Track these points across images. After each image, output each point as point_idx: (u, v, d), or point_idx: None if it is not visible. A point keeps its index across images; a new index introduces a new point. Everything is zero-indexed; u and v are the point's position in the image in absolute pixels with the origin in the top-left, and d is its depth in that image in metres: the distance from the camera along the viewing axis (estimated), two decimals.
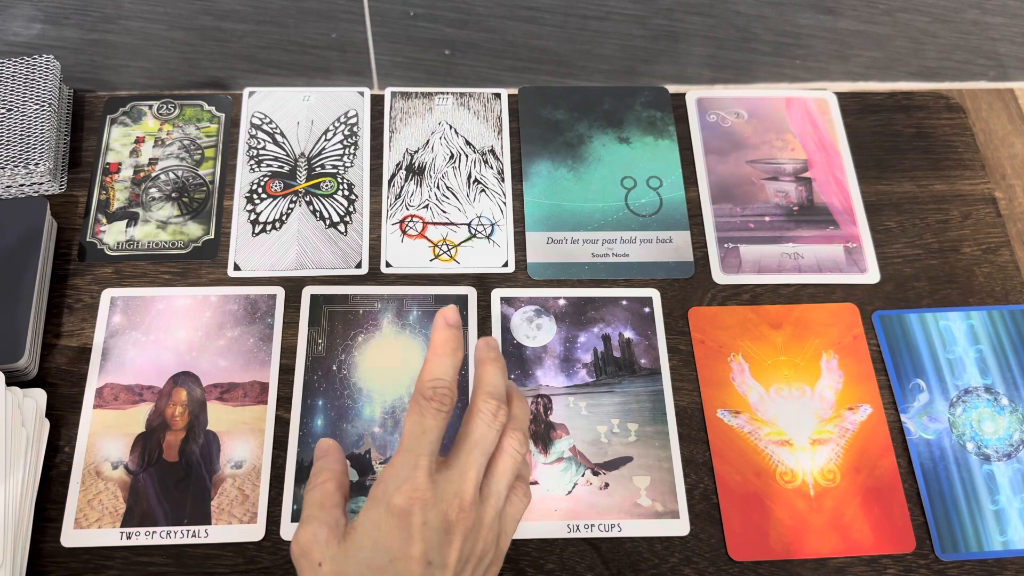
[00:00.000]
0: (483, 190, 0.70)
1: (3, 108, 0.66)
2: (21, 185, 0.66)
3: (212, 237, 0.67)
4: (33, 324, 0.60)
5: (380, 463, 0.58)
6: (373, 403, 0.61)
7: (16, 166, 0.64)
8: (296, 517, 0.57)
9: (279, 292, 0.64)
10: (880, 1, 0.72)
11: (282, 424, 0.60)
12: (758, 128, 0.74)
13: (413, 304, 0.64)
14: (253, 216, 0.68)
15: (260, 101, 0.73)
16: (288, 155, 0.70)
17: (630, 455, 0.59)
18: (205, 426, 0.59)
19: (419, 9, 0.70)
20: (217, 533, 0.56)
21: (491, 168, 0.71)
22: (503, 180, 0.70)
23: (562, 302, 0.65)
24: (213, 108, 0.72)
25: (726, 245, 0.68)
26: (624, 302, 0.65)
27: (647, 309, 0.65)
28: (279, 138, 0.71)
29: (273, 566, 0.55)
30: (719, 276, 0.67)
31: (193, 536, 0.56)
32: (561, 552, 0.56)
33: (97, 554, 0.55)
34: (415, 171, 0.70)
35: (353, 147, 0.71)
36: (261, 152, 0.70)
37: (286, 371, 0.61)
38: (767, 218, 0.69)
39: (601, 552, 0.57)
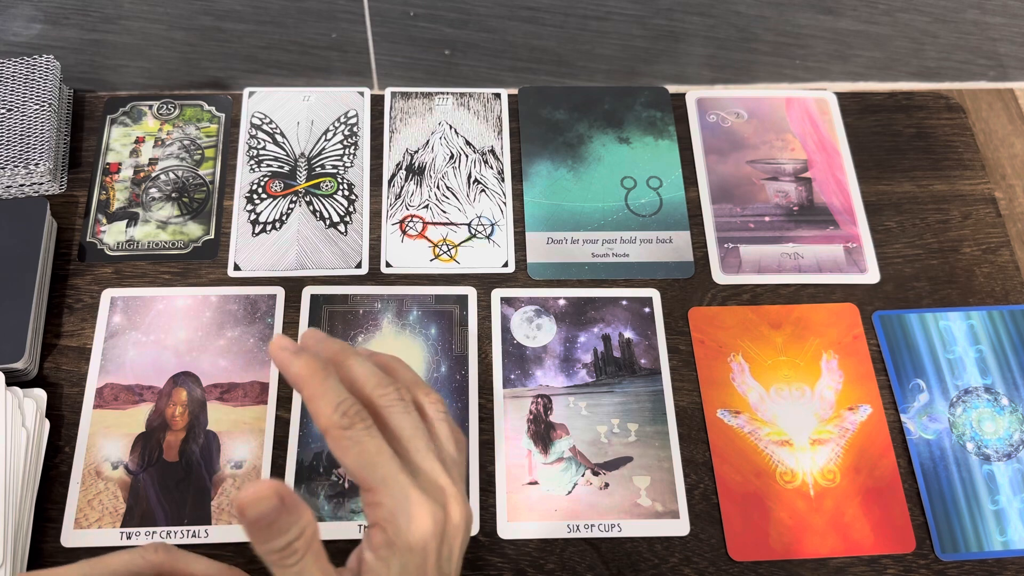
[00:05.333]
0: (483, 190, 0.70)
1: (3, 108, 0.66)
2: (21, 185, 0.66)
3: (212, 237, 0.67)
4: (33, 324, 0.60)
5: None
6: None
7: (16, 166, 0.64)
8: None
9: (279, 292, 0.64)
10: (880, 1, 0.72)
11: (282, 424, 0.60)
12: (758, 128, 0.74)
13: (413, 304, 0.64)
14: (253, 216, 0.68)
15: (260, 101, 0.73)
16: (288, 155, 0.70)
17: (630, 455, 0.59)
18: (205, 426, 0.59)
19: (419, 9, 0.70)
20: (217, 533, 0.56)
21: (491, 168, 0.71)
22: (503, 180, 0.70)
23: (562, 302, 0.65)
24: (213, 108, 0.72)
25: (726, 245, 0.68)
26: (624, 302, 0.65)
27: (647, 309, 0.65)
28: (279, 138, 0.71)
29: None
30: (719, 276, 0.67)
31: (193, 536, 0.56)
32: (561, 552, 0.56)
33: (97, 554, 0.55)
34: (415, 171, 0.70)
35: (353, 147, 0.71)
36: (261, 152, 0.70)
37: None
38: (767, 218, 0.69)
39: (601, 552, 0.57)
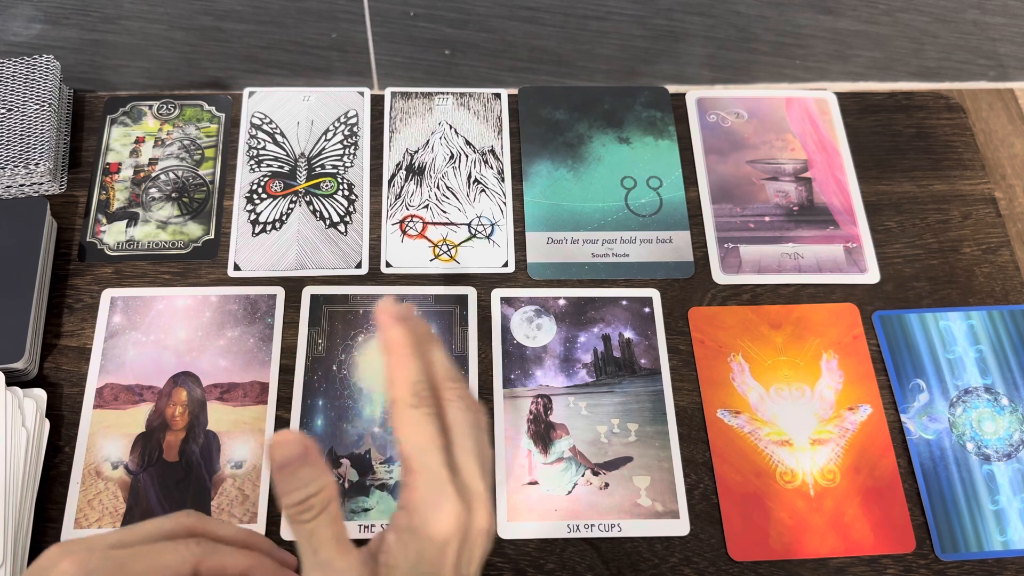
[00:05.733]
0: (483, 190, 0.70)
1: (3, 108, 0.66)
2: (21, 185, 0.66)
3: (212, 237, 0.67)
4: (33, 324, 0.60)
5: (380, 463, 0.58)
6: (373, 403, 0.61)
7: (16, 166, 0.65)
8: None
9: (279, 292, 0.64)
10: (880, 1, 0.72)
11: (282, 424, 0.60)
12: (758, 128, 0.74)
13: (413, 304, 0.64)
14: (253, 216, 0.68)
15: (260, 101, 0.73)
16: (288, 155, 0.70)
17: (630, 455, 0.59)
18: (205, 426, 0.59)
19: (419, 9, 0.70)
20: None
21: (491, 168, 0.71)
22: (503, 180, 0.70)
23: (562, 302, 0.65)
24: (213, 108, 0.72)
25: (726, 245, 0.68)
26: (624, 302, 0.65)
27: (647, 309, 0.65)
28: (279, 138, 0.71)
29: None
30: (719, 276, 0.67)
31: None
32: (561, 552, 0.56)
33: None
34: (415, 171, 0.70)
35: (353, 147, 0.71)
36: (261, 152, 0.70)
37: (286, 371, 0.61)
38: (767, 218, 0.69)
39: (601, 552, 0.57)
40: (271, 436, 0.37)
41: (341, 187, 0.69)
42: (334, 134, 0.72)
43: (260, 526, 0.56)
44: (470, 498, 0.39)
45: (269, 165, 0.70)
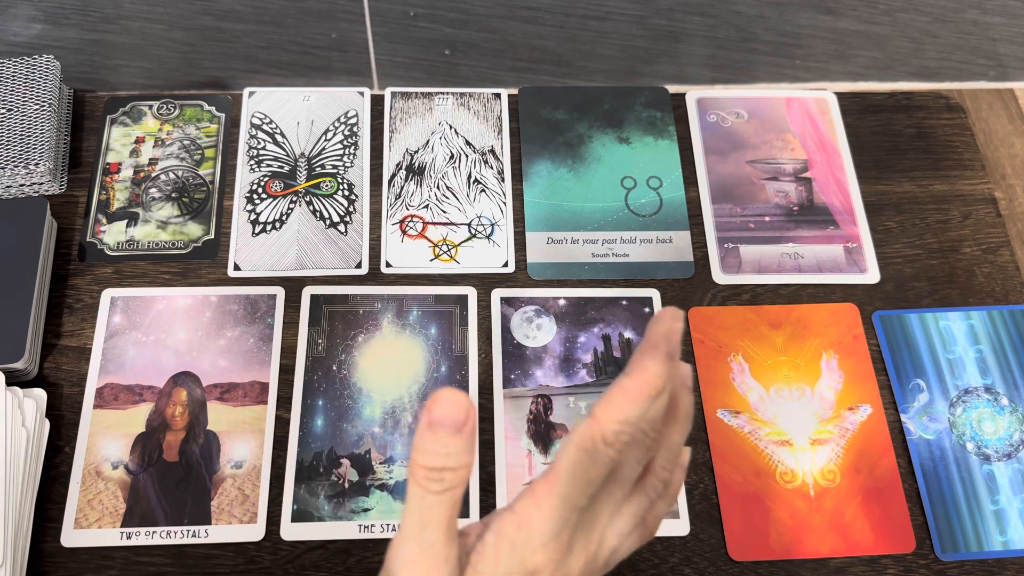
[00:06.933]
0: (483, 190, 0.70)
1: (3, 108, 0.66)
2: (21, 185, 0.66)
3: (212, 237, 0.67)
4: (33, 324, 0.60)
5: (380, 463, 0.58)
6: (373, 403, 0.61)
7: (16, 166, 0.65)
8: (297, 517, 0.56)
9: (279, 292, 0.64)
10: (880, 1, 0.72)
11: (282, 424, 0.60)
12: (758, 128, 0.74)
13: (413, 304, 0.64)
14: (253, 216, 0.68)
15: (260, 101, 0.73)
16: (288, 155, 0.70)
17: None
18: (205, 426, 0.59)
19: (419, 9, 0.70)
20: (217, 533, 0.56)
21: (491, 168, 0.71)
22: (503, 180, 0.70)
23: (562, 302, 0.65)
24: (213, 108, 0.72)
25: (726, 245, 0.68)
26: (624, 302, 0.65)
27: (647, 309, 0.65)
28: (279, 138, 0.71)
29: (273, 566, 0.55)
30: (719, 276, 0.67)
31: (193, 536, 0.56)
32: None
33: (97, 554, 0.55)
34: (415, 171, 0.70)
35: (353, 147, 0.71)
36: (261, 152, 0.70)
37: (286, 371, 0.61)
38: (767, 218, 0.69)
39: None
40: (440, 389, 0.33)
41: (341, 187, 0.69)
42: (334, 134, 0.72)
43: (260, 526, 0.56)
44: (580, 552, 0.36)
45: (269, 165, 0.70)
